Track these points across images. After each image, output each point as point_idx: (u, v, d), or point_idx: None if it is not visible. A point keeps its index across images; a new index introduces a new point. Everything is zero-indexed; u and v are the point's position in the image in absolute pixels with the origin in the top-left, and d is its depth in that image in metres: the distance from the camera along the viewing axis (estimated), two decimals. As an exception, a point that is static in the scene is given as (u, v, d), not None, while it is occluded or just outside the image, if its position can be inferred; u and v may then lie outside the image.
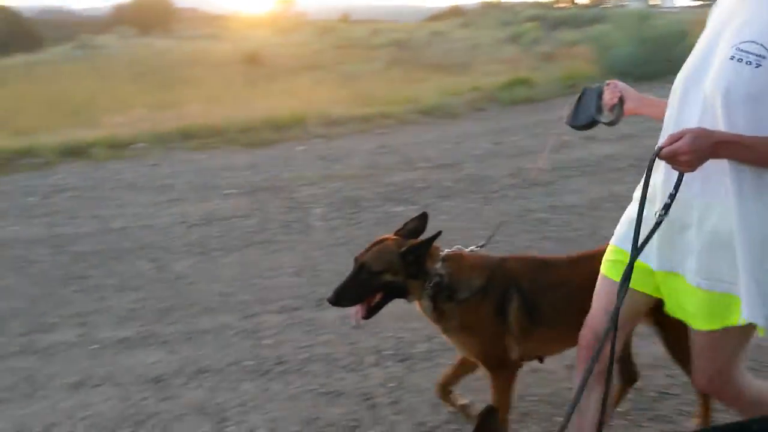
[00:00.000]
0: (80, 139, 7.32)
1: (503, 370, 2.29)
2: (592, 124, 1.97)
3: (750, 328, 1.65)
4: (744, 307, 1.61)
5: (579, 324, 1.91)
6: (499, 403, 2.28)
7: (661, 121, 1.75)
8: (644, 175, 1.68)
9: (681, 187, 1.61)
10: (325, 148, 6.96)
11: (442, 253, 2.25)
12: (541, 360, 2.39)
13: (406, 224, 2.31)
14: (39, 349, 3.36)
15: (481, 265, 2.25)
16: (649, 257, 1.74)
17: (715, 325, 1.68)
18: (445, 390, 2.51)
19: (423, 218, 2.32)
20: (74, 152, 7.04)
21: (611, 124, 1.94)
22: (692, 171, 1.58)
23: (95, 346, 3.32)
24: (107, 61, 15.04)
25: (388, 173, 5.91)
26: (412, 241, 2.24)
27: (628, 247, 1.66)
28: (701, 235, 1.65)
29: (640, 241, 1.64)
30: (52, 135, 7.62)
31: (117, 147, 7.24)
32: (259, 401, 2.79)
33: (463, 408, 2.52)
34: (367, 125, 7.29)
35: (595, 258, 1.95)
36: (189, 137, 7.52)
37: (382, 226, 4.45)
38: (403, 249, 2.20)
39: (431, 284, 2.19)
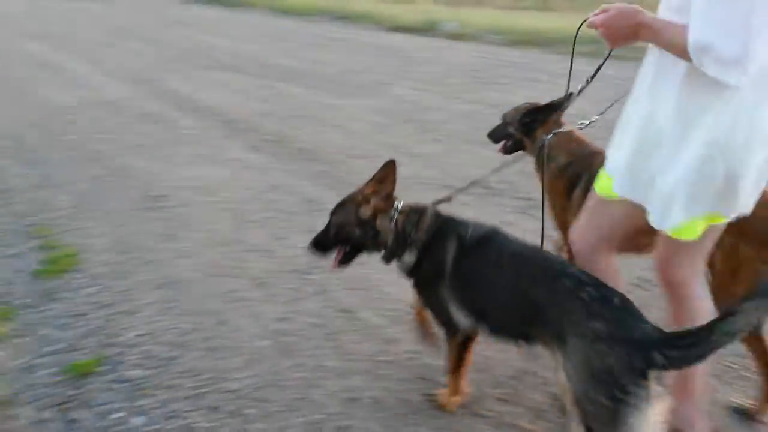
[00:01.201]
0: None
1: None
2: None
3: None
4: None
5: None
6: None
7: None
8: (572, 49, 2.01)
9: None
10: None
11: (559, 129, 2.69)
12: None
13: (556, 98, 2.75)
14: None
15: (571, 149, 2.64)
16: None
17: None
18: None
19: (568, 97, 2.66)
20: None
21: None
22: (615, 47, 1.64)
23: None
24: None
25: None
26: (537, 107, 2.79)
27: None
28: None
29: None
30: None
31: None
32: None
33: None
34: None
35: None
36: None
37: None
38: (523, 111, 2.81)
39: (537, 147, 2.72)
